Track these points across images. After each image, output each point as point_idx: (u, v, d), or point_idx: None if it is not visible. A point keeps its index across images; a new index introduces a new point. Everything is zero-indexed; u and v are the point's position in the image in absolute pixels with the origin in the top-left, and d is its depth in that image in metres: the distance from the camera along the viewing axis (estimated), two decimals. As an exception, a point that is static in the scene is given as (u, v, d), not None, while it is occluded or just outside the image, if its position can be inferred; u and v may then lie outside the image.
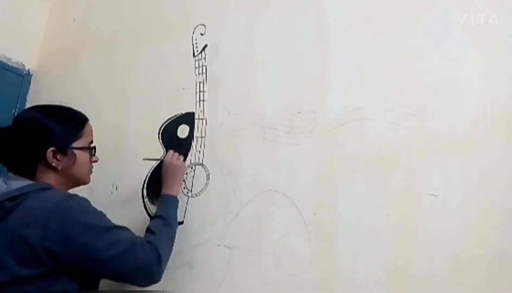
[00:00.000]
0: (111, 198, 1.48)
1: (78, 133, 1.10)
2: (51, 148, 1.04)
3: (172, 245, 1.17)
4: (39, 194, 0.98)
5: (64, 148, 1.06)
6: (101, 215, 1.03)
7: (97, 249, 0.96)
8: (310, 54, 1.26)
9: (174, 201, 1.25)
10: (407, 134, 1.07)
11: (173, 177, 1.28)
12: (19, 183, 1.01)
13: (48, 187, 1.02)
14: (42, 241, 0.91)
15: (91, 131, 1.15)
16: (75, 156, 1.09)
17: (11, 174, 1.05)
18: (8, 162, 1.06)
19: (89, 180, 1.17)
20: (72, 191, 1.09)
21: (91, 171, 1.17)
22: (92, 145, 1.15)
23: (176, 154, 1.32)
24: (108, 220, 1.03)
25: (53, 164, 1.05)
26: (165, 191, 1.26)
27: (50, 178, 1.06)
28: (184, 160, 1.34)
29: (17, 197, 0.96)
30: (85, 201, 1.02)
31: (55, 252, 0.92)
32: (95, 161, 1.17)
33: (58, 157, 1.05)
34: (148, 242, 1.06)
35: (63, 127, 1.07)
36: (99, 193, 1.47)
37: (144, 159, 1.41)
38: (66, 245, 0.93)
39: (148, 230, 1.14)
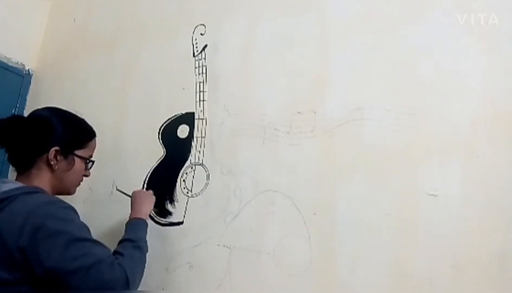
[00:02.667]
0: (111, 198, 1.48)
1: (84, 143, 1.15)
2: (55, 148, 1.07)
3: (143, 267, 1.11)
4: (25, 198, 0.98)
5: (66, 152, 1.10)
6: (78, 225, 0.99)
7: (61, 258, 0.92)
8: (310, 54, 1.26)
9: (142, 224, 1.21)
10: (407, 134, 1.07)
11: (141, 202, 1.27)
12: (10, 185, 1.01)
13: (35, 191, 1.02)
14: (16, 241, 0.91)
15: (95, 146, 1.19)
16: (74, 162, 1.12)
17: (7, 179, 1.07)
18: (12, 149, 1.08)
19: (74, 192, 1.17)
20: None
21: (79, 184, 1.18)
22: (91, 160, 1.18)
23: (144, 190, 1.35)
24: (85, 233, 0.99)
25: (52, 162, 1.07)
26: (133, 215, 1.23)
27: (43, 178, 1.07)
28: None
29: (4, 200, 0.97)
30: (65, 209, 1.00)
31: (25, 253, 0.91)
32: (87, 176, 1.19)
33: (58, 158, 1.08)
34: (118, 263, 1.00)
35: (72, 132, 1.12)
36: (99, 193, 1.47)
37: (117, 190, 1.42)
38: (33, 247, 0.91)
39: (116, 252, 1.07)
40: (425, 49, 1.10)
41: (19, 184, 1.03)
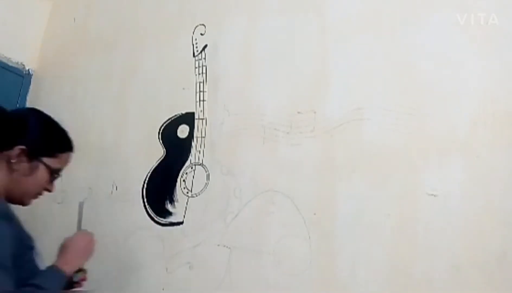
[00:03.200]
0: (111, 198, 1.48)
1: (55, 152, 1.03)
2: (21, 146, 0.97)
3: None
4: None
5: (32, 154, 0.99)
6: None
7: None
8: (310, 54, 1.26)
9: (60, 280, 0.99)
10: (407, 134, 1.07)
11: (80, 252, 1.06)
12: None
13: None
14: None
15: (67, 162, 1.06)
16: (37, 169, 1.00)
17: None
18: None
19: (28, 203, 1.04)
20: None
21: (37, 197, 1.05)
22: (59, 174, 1.05)
23: (92, 235, 1.11)
24: (3, 253, 0.86)
25: (12, 160, 0.96)
26: (59, 263, 1.00)
27: None
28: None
29: None
30: None
31: None
32: (49, 190, 1.05)
33: (22, 159, 0.97)
34: None
35: (45, 137, 1.02)
36: (99, 193, 1.47)
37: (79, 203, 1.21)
38: None
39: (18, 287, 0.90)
40: (425, 49, 1.10)
41: None
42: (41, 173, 1.01)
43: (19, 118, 1.01)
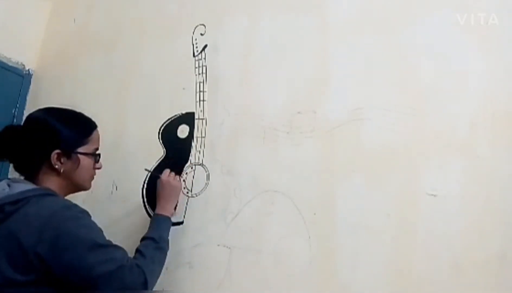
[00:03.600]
0: (111, 198, 1.48)
1: (85, 138, 1.11)
2: (56, 151, 1.05)
3: (161, 268, 1.15)
4: (39, 201, 0.98)
5: (69, 152, 1.07)
6: (96, 230, 1.02)
7: (84, 265, 0.94)
8: (310, 54, 1.26)
9: (167, 222, 1.23)
10: (407, 134, 1.07)
11: (169, 197, 1.27)
12: (22, 186, 1.01)
13: (49, 193, 1.02)
14: (34, 247, 0.91)
15: (98, 138, 1.16)
16: (79, 160, 1.09)
17: (16, 177, 1.06)
18: (14, 160, 1.08)
19: (90, 187, 1.17)
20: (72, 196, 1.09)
21: (93, 178, 1.17)
22: (97, 152, 1.16)
23: (173, 173, 1.31)
24: (103, 237, 1.02)
25: (56, 166, 1.05)
26: (159, 210, 1.24)
27: (52, 181, 1.06)
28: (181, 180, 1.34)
29: (18, 202, 0.97)
30: (83, 213, 1.01)
31: (45, 260, 0.92)
32: (99, 168, 1.17)
33: (62, 160, 1.06)
34: (137, 265, 1.03)
35: (71, 131, 1.09)
36: (99, 193, 1.47)
37: (145, 169, 1.40)
38: (55, 255, 0.92)
39: (138, 251, 1.10)
40: (425, 49, 1.10)
41: (31, 185, 1.02)
42: (84, 161, 1.10)
43: (39, 127, 1.07)
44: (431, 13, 1.11)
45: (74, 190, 1.14)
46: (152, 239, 1.14)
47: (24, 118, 1.15)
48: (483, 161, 0.98)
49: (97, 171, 1.18)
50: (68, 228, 0.95)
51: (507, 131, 0.98)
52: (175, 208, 1.30)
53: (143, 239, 1.16)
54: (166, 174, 1.30)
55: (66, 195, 1.10)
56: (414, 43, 1.12)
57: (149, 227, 1.20)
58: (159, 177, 1.31)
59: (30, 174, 1.06)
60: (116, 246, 1.02)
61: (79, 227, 0.97)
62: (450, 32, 1.08)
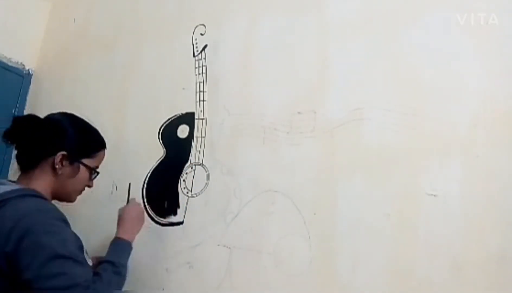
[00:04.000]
0: (111, 198, 1.48)
1: (92, 153, 1.15)
2: (63, 152, 1.07)
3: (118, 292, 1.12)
4: (17, 202, 0.97)
5: (73, 158, 1.10)
6: (65, 239, 0.96)
7: (38, 273, 0.90)
8: (310, 54, 1.26)
9: (127, 248, 1.21)
10: (407, 134, 1.07)
11: (132, 221, 1.26)
12: (5, 188, 1.00)
13: (30, 194, 1.01)
14: (3, 247, 0.90)
15: (102, 159, 1.20)
16: (79, 170, 1.12)
17: (2, 180, 1.06)
18: (20, 147, 1.09)
19: (74, 200, 1.17)
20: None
21: (80, 193, 1.18)
22: (97, 170, 1.18)
23: (141, 204, 1.35)
24: (70, 248, 0.96)
25: (57, 166, 1.07)
26: (121, 234, 1.22)
27: (45, 179, 1.07)
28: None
29: None
30: (55, 219, 0.98)
31: (8, 258, 0.90)
32: (90, 186, 1.19)
33: (64, 163, 1.08)
34: (94, 288, 0.97)
35: (83, 140, 1.13)
36: (99, 193, 1.47)
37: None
38: (16, 255, 0.91)
39: (97, 274, 1.05)
40: (425, 49, 1.10)
41: (15, 186, 1.02)
42: (82, 173, 1.13)
43: (55, 125, 1.10)
44: (431, 13, 1.11)
45: (59, 198, 1.13)
46: (111, 263, 1.11)
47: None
48: (483, 161, 0.98)
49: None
50: (34, 232, 0.92)
51: (507, 131, 0.98)
52: None
53: (101, 262, 1.12)
54: (134, 200, 1.35)
55: (51, 199, 1.10)
56: (414, 43, 1.12)
57: (109, 250, 1.17)
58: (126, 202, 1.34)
59: (28, 167, 1.07)
60: (78, 262, 0.96)
61: (44, 233, 0.93)
62: (450, 32, 1.08)
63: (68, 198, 1.15)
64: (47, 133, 1.08)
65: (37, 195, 1.02)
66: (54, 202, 1.11)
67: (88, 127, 1.17)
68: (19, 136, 1.07)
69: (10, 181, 1.08)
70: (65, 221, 1.01)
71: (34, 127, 1.07)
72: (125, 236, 1.22)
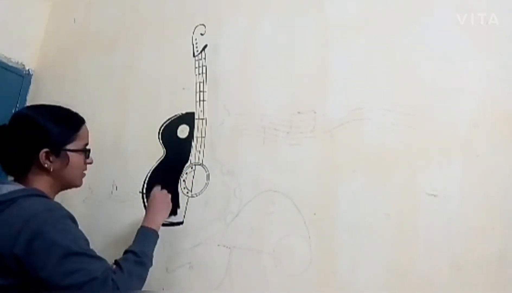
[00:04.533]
0: (111, 198, 1.48)
1: (73, 135, 1.08)
2: (44, 150, 1.02)
3: (142, 284, 1.08)
4: (23, 202, 0.96)
5: (57, 150, 1.04)
6: (76, 236, 0.96)
7: (54, 272, 0.90)
8: (310, 54, 1.26)
9: (153, 236, 1.17)
10: (407, 134, 1.07)
11: (158, 209, 1.23)
12: (8, 188, 0.99)
13: (35, 194, 1.00)
14: (11, 249, 0.89)
15: (87, 133, 1.13)
16: (68, 158, 1.06)
17: (7, 179, 1.06)
18: (2, 160, 1.05)
19: (81, 183, 1.14)
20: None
21: (84, 174, 1.14)
22: (87, 148, 1.12)
23: (165, 190, 1.30)
24: (82, 244, 0.96)
25: (46, 165, 1.03)
26: (146, 223, 1.19)
27: (42, 181, 1.04)
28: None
29: (1, 203, 0.95)
30: (64, 217, 0.98)
31: (20, 260, 0.90)
32: (90, 163, 1.14)
33: (51, 158, 1.04)
34: (112, 279, 0.96)
35: (58, 128, 1.05)
36: (99, 193, 1.47)
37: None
38: (29, 257, 0.90)
39: (117, 264, 1.04)
40: (425, 49, 1.10)
41: (18, 186, 1.01)
42: (74, 158, 1.08)
43: (26, 125, 1.04)
44: (431, 13, 1.11)
45: (65, 188, 1.11)
46: (134, 253, 1.09)
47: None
48: (483, 161, 0.98)
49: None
50: (45, 231, 0.92)
51: (507, 131, 0.98)
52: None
53: (125, 251, 1.10)
54: (158, 188, 1.30)
55: (57, 193, 1.09)
56: (414, 43, 1.12)
57: (134, 240, 1.15)
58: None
59: (19, 175, 1.04)
60: (92, 256, 0.97)
61: (56, 232, 0.93)
62: (450, 32, 1.08)
63: (73, 184, 1.12)
64: (20, 137, 1.03)
65: (41, 195, 1.01)
66: (58, 198, 1.10)
67: (59, 113, 1.10)
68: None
69: (12, 181, 1.06)
70: (72, 219, 1.00)
71: (5, 136, 1.03)
72: (150, 224, 1.18)
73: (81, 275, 0.92)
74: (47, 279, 0.90)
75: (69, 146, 1.07)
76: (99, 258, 0.98)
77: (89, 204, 1.49)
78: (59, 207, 1.00)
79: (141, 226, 1.18)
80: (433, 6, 1.12)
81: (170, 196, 1.29)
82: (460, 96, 1.04)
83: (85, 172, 1.14)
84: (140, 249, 1.11)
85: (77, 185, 1.13)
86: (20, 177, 1.04)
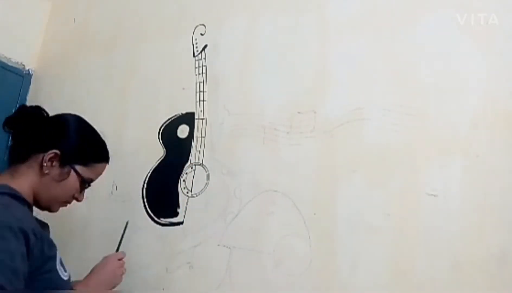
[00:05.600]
0: (111, 198, 1.48)
1: (89, 162, 1.04)
2: (55, 150, 0.98)
3: None
4: None
5: (65, 160, 0.99)
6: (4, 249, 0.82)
7: None
8: (310, 54, 1.26)
9: None
10: (407, 134, 1.07)
11: (108, 279, 1.09)
12: None
13: (3, 192, 0.91)
14: None
15: (101, 173, 1.08)
16: (68, 175, 1.00)
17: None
18: (16, 135, 1.01)
19: (56, 210, 1.04)
20: None
21: (65, 205, 1.05)
22: (89, 183, 1.06)
23: (122, 260, 1.14)
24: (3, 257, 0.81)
25: (44, 164, 0.97)
26: (82, 284, 1.04)
27: (29, 176, 0.97)
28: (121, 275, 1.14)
29: None
30: (3, 228, 0.83)
31: None
32: (77, 199, 1.06)
33: (54, 163, 0.98)
34: None
35: (81, 145, 1.03)
36: (99, 193, 1.47)
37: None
38: None
39: None
40: (425, 49, 1.10)
41: None
42: (72, 180, 1.00)
43: (57, 122, 1.03)
44: (431, 13, 1.11)
45: (39, 203, 1.00)
46: None
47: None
48: (483, 161, 0.98)
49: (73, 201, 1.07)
50: None
51: (507, 131, 0.98)
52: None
53: None
54: (115, 256, 1.13)
55: (31, 199, 0.98)
56: (414, 43, 1.12)
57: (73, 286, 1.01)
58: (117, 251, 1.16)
59: (17, 160, 0.99)
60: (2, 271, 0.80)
61: None
62: (450, 32, 1.08)
63: (48, 205, 1.01)
64: (45, 127, 1.00)
65: (11, 195, 0.91)
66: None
67: (94, 136, 1.07)
68: (18, 123, 1.00)
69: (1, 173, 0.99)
70: (11, 230, 0.83)
71: (35, 118, 1.01)
72: (91, 286, 1.05)
73: None
74: None
75: (77, 166, 1.01)
76: (15, 280, 0.82)
77: (89, 204, 1.49)
78: (10, 214, 0.87)
79: (84, 280, 1.06)
80: (433, 6, 1.12)
81: (123, 270, 1.13)
82: (460, 96, 1.04)
83: (67, 203, 1.05)
84: None
85: (51, 208, 1.03)
86: (15, 164, 0.98)
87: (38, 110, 1.04)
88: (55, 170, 0.99)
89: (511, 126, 0.98)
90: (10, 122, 1.01)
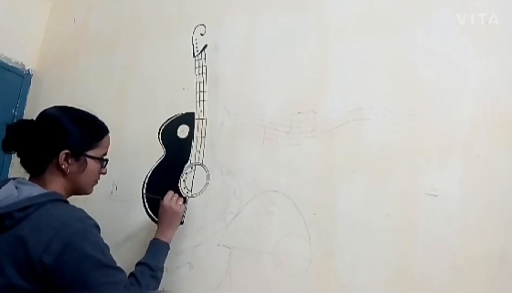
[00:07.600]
0: (111, 198, 1.48)
1: (96, 142, 1.11)
2: (65, 151, 1.04)
3: None
4: (50, 208, 0.97)
5: (77, 154, 1.06)
6: (103, 247, 0.99)
7: (85, 283, 0.93)
8: (310, 54, 1.26)
9: (165, 250, 1.21)
10: (407, 134, 1.07)
11: (170, 222, 1.25)
12: (30, 190, 0.99)
13: (59, 199, 1.01)
14: (40, 256, 0.90)
15: (108, 143, 1.15)
16: (86, 163, 1.08)
17: (21, 178, 1.05)
18: (22, 154, 1.06)
19: (91, 191, 1.16)
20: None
21: (96, 182, 1.16)
22: (105, 158, 1.15)
23: (176, 196, 1.29)
24: (107, 255, 1.00)
25: (63, 166, 1.04)
26: (159, 235, 1.22)
27: (56, 181, 1.05)
28: (184, 202, 1.31)
29: (27, 208, 0.95)
30: (92, 227, 0.99)
31: (48, 270, 0.91)
32: (104, 173, 1.16)
33: (70, 161, 1.05)
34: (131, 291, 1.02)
35: (82, 133, 1.08)
36: (99, 193, 1.47)
37: (147, 195, 1.40)
38: (59, 267, 0.92)
39: (134, 277, 1.08)
40: (425, 49, 1.10)
41: (38, 189, 1.01)
42: (91, 165, 1.10)
43: (52, 124, 1.06)
44: (431, 13, 1.11)
45: (76, 193, 1.12)
46: (149, 266, 1.12)
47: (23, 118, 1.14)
48: (483, 161, 0.98)
49: (100, 176, 1.17)
50: (76, 242, 0.93)
51: (507, 131, 0.98)
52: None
53: (139, 263, 1.14)
54: (169, 197, 1.27)
55: (68, 196, 1.09)
56: (414, 43, 1.12)
57: (147, 251, 1.18)
58: (161, 199, 1.28)
59: (36, 171, 1.05)
60: (117, 268, 1.00)
61: (87, 243, 0.95)
62: (450, 32, 1.08)
63: (84, 191, 1.13)
64: (44, 135, 1.05)
65: (66, 201, 1.03)
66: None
67: (86, 118, 1.12)
68: (17, 144, 1.05)
69: (28, 182, 1.05)
70: (98, 228, 1.01)
71: (30, 132, 1.05)
72: (162, 237, 1.21)
73: (112, 288, 0.95)
74: (77, 288, 0.92)
75: (89, 152, 1.09)
76: (121, 271, 1.01)
77: (89, 204, 1.48)
78: (86, 216, 1.01)
79: (154, 238, 1.21)
80: (433, 6, 1.12)
81: (180, 201, 1.28)
82: (460, 96, 1.04)
83: (98, 180, 1.16)
84: (155, 263, 1.14)
85: (88, 192, 1.15)
86: (37, 176, 1.05)
87: (26, 123, 1.07)
88: (74, 165, 1.07)
89: (511, 126, 0.98)
90: (7, 145, 1.06)
